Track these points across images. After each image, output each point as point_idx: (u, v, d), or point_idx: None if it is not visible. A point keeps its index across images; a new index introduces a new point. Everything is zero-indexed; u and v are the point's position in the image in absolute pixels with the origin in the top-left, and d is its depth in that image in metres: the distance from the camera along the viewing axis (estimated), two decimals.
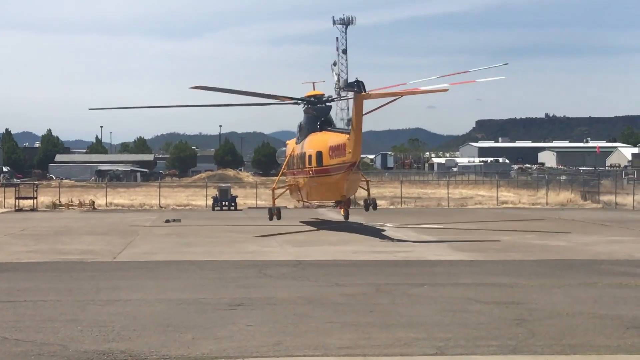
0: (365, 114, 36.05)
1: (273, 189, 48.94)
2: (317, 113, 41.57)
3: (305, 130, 42.15)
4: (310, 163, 40.08)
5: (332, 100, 45.34)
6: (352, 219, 47.97)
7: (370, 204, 40.56)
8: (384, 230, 38.98)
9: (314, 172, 39.78)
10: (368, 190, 42.85)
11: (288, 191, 47.56)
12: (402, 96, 38.05)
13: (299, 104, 42.61)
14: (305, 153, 40.84)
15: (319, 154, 39.02)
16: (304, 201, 48.16)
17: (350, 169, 36.75)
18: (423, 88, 39.80)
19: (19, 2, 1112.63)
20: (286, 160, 45.96)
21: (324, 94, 42.99)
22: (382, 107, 38.57)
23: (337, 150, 37.49)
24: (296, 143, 43.91)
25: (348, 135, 36.48)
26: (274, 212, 43.47)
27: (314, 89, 42.89)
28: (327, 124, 41.35)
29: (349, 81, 40.49)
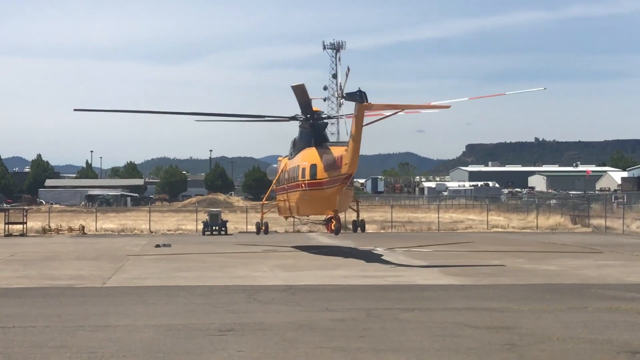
0: (365, 125, 36.02)
1: (262, 204, 49.16)
2: (312, 129, 41.61)
3: (300, 145, 42.12)
4: (303, 176, 39.83)
5: (330, 117, 45.64)
6: (342, 243, 48.01)
7: (359, 225, 40.56)
8: (381, 255, 38.88)
9: (307, 186, 39.45)
10: (357, 211, 42.98)
11: (277, 208, 47.58)
12: (403, 109, 38.14)
13: (295, 119, 42.66)
14: (298, 167, 40.71)
15: (313, 167, 38.91)
16: (294, 217, 48.01)
17: (345, 182, 36.63)
18: (425, 103, 40.08)
19: (8, 28, 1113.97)
20: (277, 175, 45.96)
21: (321, 111, 43.16)
22: (382, 119, 38.64)
23: (332, 163, 37.35)
24: (289, 159, 43.92)
25: (345, 147, 36.39)
26: (262, 227, 45.55)
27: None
28: (322, 140, 41.42)
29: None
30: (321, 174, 38.21)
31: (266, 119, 45.82)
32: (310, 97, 42.48)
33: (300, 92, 38.49)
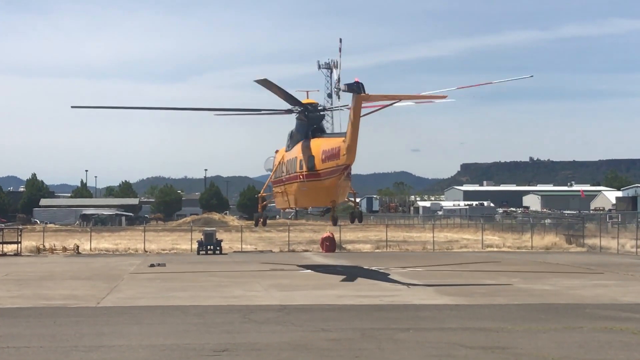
0: (363, 115, 36.05)
1: (260, 197, 49.14)
2: (309, 120, 41.76)
3: (297, 137, 42.30)
4: (301, 168, 40.20)
5: (326, 109, 45.85)
6: (336, 262, 48.00)
7: (356, 216, 40.67)
8: (377, 275, 38.83)
9: (305, 177, 39.81)
10: (355, 201, 43.41)
11: (275, 200, 47.67)
12: (400, 100, 38.27)
13: (292, 112, 42.81)
14: (296, 158, 41.06)
15: (311, 159, 39.16)
16: (291, 208, 48.08)
17: (344, 172, 36.96)
18: (422, 93, 40.28)
19: (3, 47, 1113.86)
20: (275, 168, 46.01)
21: (317, 103, 43.32)
22: (380, 109, 38.60)
23: (330, 153, 37.54)
24: (286, 151, 44.05)
25: (343, 138, 36.53)
26: (260, 219, 45.71)
27: (307, 97, 42.98)
28: (319, 131, 41.56)
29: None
30: (319, 165, 38.52)
31: (262, 112, 45.94)
32: (307, 90, 43.07)
33: (268, 86, 38.72)
